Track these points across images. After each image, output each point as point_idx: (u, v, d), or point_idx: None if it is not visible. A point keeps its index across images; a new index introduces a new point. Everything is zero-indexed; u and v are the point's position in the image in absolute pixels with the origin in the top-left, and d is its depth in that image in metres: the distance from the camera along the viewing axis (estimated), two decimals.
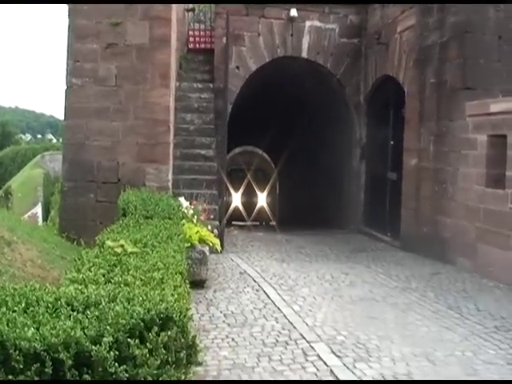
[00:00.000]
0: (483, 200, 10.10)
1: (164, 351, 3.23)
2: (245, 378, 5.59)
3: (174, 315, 3.40)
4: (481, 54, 11.08)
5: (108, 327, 3.14)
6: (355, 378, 5.58)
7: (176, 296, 3.71)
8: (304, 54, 15.46)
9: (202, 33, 16.15)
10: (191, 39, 16.14)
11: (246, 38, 15.16)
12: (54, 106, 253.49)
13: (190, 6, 16.25)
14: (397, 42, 13.74)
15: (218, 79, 14.72)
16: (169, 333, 3.29)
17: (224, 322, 7.12)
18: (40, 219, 26.24)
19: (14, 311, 3.36)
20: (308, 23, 15.48)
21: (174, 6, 12.08)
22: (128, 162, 11.11)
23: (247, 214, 22.60)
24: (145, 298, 3.62)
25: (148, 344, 3.23)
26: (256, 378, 5.61)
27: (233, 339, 6.54)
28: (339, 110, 16.34)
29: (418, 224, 12.17)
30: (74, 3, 11.50)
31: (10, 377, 2.99)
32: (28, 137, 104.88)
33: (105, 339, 3.08)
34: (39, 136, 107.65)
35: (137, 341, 3.21)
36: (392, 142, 14.10)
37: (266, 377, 5.61)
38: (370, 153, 15.46)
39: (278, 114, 17.83)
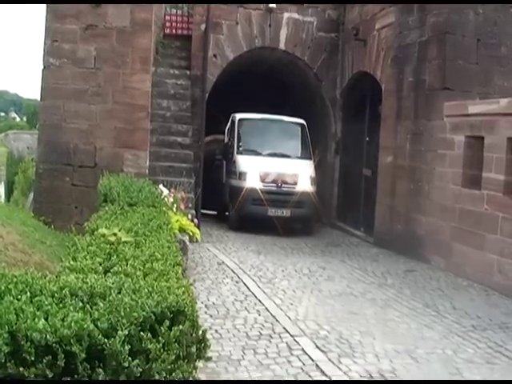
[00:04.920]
0: (459, 200, 10.24)
1: (177, 346, 3.17)
2: (231, 370, 5.60)
3: (186, 309, 3.33)
4: (460, 56, 11.19)
5: (123, 320, 3.06)
6: (341, 373, 5.61)
7: (183, 289, 3.64)
8: (282, 46, 15.48)
9: (179, 18, 15.95)
10: (168, 24, 15.94)
11: (224, 27, 15.09)
12: (18, 83, 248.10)
13: None
14: (375, 39, 13.80)
15: (196, 66, 14.67)
16: (181, 327, 3.23)
17: (206, 313, 7.09)
18: (2, 199, 25.80)
19: (18, 300, 3.26)
20: (286, 15, 15.50)
21: None
22: (106, 146, 10.96)
23: (276, 205, 13.52)
24: (151, 289, 3.54)
25: (160, 338, 3.16)
26: (243, 370, 5.62)
27: (216, 331, 6.53)
28: (315, 104, 16.38)
29: (392, 221, 12.28)
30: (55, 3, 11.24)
31: (21, 369, 2.90)
32: None
33: (119, 332, 3.00)
34: (2, 114, 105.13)
35: (149, 334, 3.14)
36: (367, 139, 14.19)
37: (253, 370, 5.62)
38: (344, 148, 15.54)
39: (253, 105, 17.74)
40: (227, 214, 14.68)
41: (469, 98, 10.80)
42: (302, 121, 15.07)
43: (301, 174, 13.88)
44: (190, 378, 3.31)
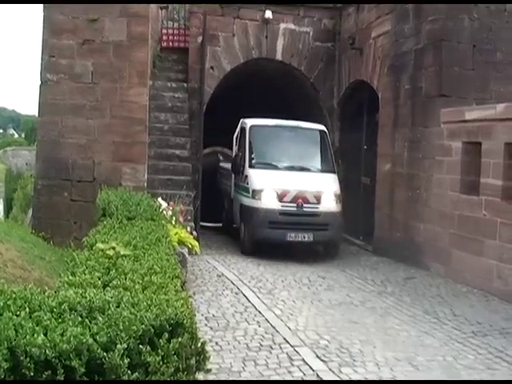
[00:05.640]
0: (457, 206, 10.26)
1: (176, 358, 3.19)
2: None
3: (185, 321, 3.36)
4: (456, 62, 11.25)
5: (122, 334, 3.08)
6: None
7: (182, 301, 3.66)
8: (278, 56, 15.52)
9: (175, 31, 16.02)
10: (165, 37, 16.00)
11: (220, 39, 15.13)
12: (16, 100, 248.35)
13: (164, 3, 16.13)
14: (371, 48, 13.85)
15: (193, 79, 14.70)
16: (180, 339, 3.25)
17: (206, 325, 7.10)
18: (1, 215, 25.78)
19: (17, 315, 3.28)
20: (282, 25, 15.54)
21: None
22: (104, 160, 11.00)
23: (296, 228, 11.83)
24: (150, 303, 3.57)
25: (159, 351, 3.18)
26: None
27: (216, 343, 6.53)
28: (313, 113, 16.38)
29: (391, 229, 12.29)
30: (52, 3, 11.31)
31: None
32: None
33: (118, 346, 3.03)
34: (1, 131, 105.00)
35: (148, 348, 3.17)
36: (365, 147, 14.21)
37: None
38: (342, 157, 15.53)
39: (251, 115, 17.78)
40: (237, 227, 13.28)
41: (465, 104, 10.85)
42: (322, 127, 13.61)
43: (325, 191, 12.13)
44: None
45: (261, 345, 6.50)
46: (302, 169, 12.74)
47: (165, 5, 16.14)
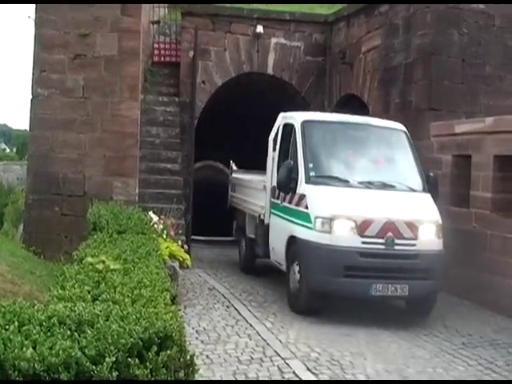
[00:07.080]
0: (448, 218, 10.27)
1: (165, 371, 3.20)
2: None
3: (173, 334, 3.37)
4: (445, 76, 11.37)
5: (111, 347, 3.09)
6: None
7: (171, 314, 3.67)
8: (270, 71, 15.60)
9: (167, 46, 16.08)
10: (156, 52, 16.03)
11: (212, 53, 15.19)
12: (7, 114, 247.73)
13: (155, 18, 16.22)
14: (361, 62, 13.96)
15: (184, 93, 14.73)
16: (168, 352, 3.26)
17: (197, 338, 7.09)
18: None
19: (6, 329, 3.29)
20: (274, 40, 15.62)
21: (142, 17, 12.05)
22: (95, 175, 11.01)
23: (386, 276, 8.11)
24: (139, 316, 3.58)
25: (148, 364, 3.19)
26: None
27: (207, 356, 6.52)
28: None
29: None
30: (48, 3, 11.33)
31: None
32: None
33: (107, 359, 3.03)
34: None
35: (137, 361, 3.17)
36: None
37: None
38: None
39: (242, 130, 17.83)
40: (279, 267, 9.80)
41: (455, 118, 10.95)
42: (401, 126, 10.05)
43: (423, 220, 8.48)
44: None
45: (252, 358, 6.50)
46: (385, 185, 9.01)
47: (157, 19, 16.24)
